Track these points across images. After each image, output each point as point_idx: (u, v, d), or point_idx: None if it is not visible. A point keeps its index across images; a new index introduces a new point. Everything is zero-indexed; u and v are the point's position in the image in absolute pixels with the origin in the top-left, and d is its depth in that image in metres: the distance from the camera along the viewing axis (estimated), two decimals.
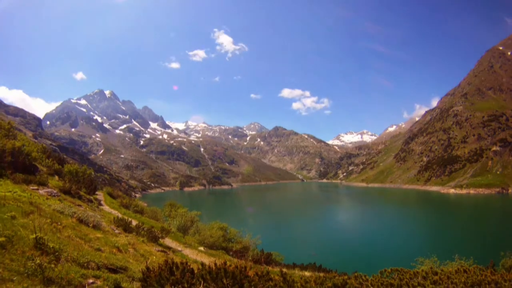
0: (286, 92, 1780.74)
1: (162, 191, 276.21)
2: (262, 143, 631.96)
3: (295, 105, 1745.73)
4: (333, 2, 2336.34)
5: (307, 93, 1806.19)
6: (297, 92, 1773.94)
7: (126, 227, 25.76)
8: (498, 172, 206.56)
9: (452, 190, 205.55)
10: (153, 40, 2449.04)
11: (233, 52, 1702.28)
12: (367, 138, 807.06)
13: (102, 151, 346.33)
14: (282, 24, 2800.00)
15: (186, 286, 8.15)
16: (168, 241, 30.73)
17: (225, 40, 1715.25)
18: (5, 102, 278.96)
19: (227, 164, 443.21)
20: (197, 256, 27.20)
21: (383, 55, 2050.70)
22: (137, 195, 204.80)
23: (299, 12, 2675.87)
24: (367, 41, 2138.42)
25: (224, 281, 8.69)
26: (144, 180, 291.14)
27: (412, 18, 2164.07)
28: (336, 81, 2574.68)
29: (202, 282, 8.63)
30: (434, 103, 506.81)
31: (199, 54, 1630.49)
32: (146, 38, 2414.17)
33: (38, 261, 7.32)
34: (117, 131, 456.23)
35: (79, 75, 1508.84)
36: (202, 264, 13.31)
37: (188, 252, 28.41)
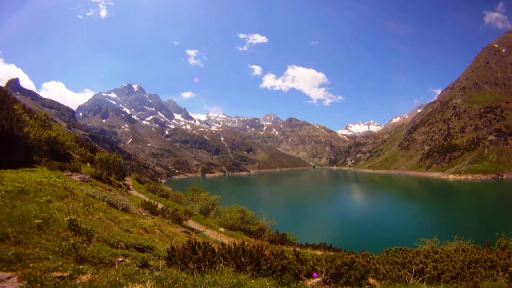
0: (301, 86, 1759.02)
1: (186, 177, 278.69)
2: (277, 133, 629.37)
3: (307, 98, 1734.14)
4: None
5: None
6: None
7: (152, 210, 26.05)
8: (493, 160, 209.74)
9: (451, 176, 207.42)
10: (175, 37, 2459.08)
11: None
12: (374, 128, 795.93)
13: (130, 140, 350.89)
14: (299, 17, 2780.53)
15: (207, 264, 8.15)
16: (191, 223, 31.01)
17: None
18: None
19: (245, 152, 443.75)
20: (218, 237, 27.37)
21: (389, 50, 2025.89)
22: (162, 180, 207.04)
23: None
24: (377, 36, 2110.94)
25: (242, 259, 8.68)
26: (169, 167, 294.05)
27: (416, 18, 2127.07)
28: (347, 76, 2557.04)
29: (222, 260, 8.64)
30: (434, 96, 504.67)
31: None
32: (169, 35, 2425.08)
33: (71, 241, 7.38)
34: (144, 122, 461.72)
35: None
36: (222, 244, 13.36)
37: (209, 233, 28.61)
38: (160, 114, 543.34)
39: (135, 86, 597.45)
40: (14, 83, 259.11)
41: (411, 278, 10.59)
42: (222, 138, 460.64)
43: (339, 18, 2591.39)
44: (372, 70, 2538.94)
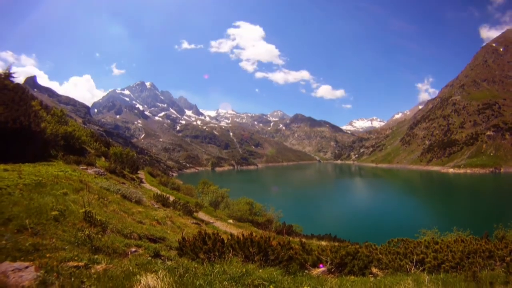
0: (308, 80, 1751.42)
1: (196, 170, 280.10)
2: (284, 128, 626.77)
3: (313, 94, 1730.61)
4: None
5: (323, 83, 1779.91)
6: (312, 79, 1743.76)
7: (164, 202, 26.16)
8: (491, 154, 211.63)
9: (451, 170, 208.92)
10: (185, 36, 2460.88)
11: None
12: (376, 124, 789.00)
13: (143, 135, 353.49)
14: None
15: (217, 254, 8.17)
16: (201, 215, 31.09)
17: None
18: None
19: (253, 147, 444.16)
20: (227, 228, 27.43)
21: (391, 49, 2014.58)
22: (174, 174, 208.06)
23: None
24: (379, 35, 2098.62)
25: (251, 249, 8.68)
26: (180, 161, 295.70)
27: (418, 18, 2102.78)
28: (351, 73, 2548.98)
29: (231, 250, 8.64)
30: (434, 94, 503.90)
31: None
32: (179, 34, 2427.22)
33: (87, 232, 7.42)
34: (156, 118, 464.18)
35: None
36: (231, 234, 13.38)
37: (219, 224, 28.69)
38: (172, 110, 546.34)
39: (147, 84, 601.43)
40: (31, 81, 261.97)
41: (413, 268, 10.61)
42: (231, 133, 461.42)
43: (343, 17, 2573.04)
44: (375, 68, 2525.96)
